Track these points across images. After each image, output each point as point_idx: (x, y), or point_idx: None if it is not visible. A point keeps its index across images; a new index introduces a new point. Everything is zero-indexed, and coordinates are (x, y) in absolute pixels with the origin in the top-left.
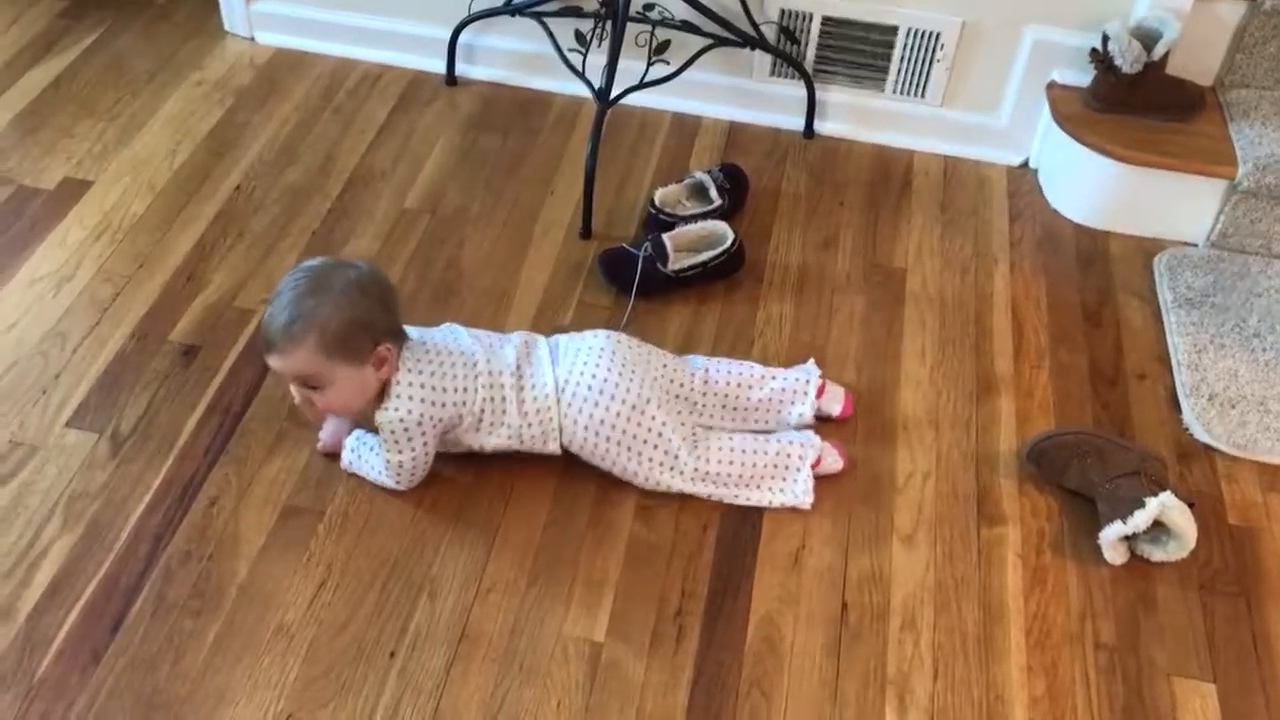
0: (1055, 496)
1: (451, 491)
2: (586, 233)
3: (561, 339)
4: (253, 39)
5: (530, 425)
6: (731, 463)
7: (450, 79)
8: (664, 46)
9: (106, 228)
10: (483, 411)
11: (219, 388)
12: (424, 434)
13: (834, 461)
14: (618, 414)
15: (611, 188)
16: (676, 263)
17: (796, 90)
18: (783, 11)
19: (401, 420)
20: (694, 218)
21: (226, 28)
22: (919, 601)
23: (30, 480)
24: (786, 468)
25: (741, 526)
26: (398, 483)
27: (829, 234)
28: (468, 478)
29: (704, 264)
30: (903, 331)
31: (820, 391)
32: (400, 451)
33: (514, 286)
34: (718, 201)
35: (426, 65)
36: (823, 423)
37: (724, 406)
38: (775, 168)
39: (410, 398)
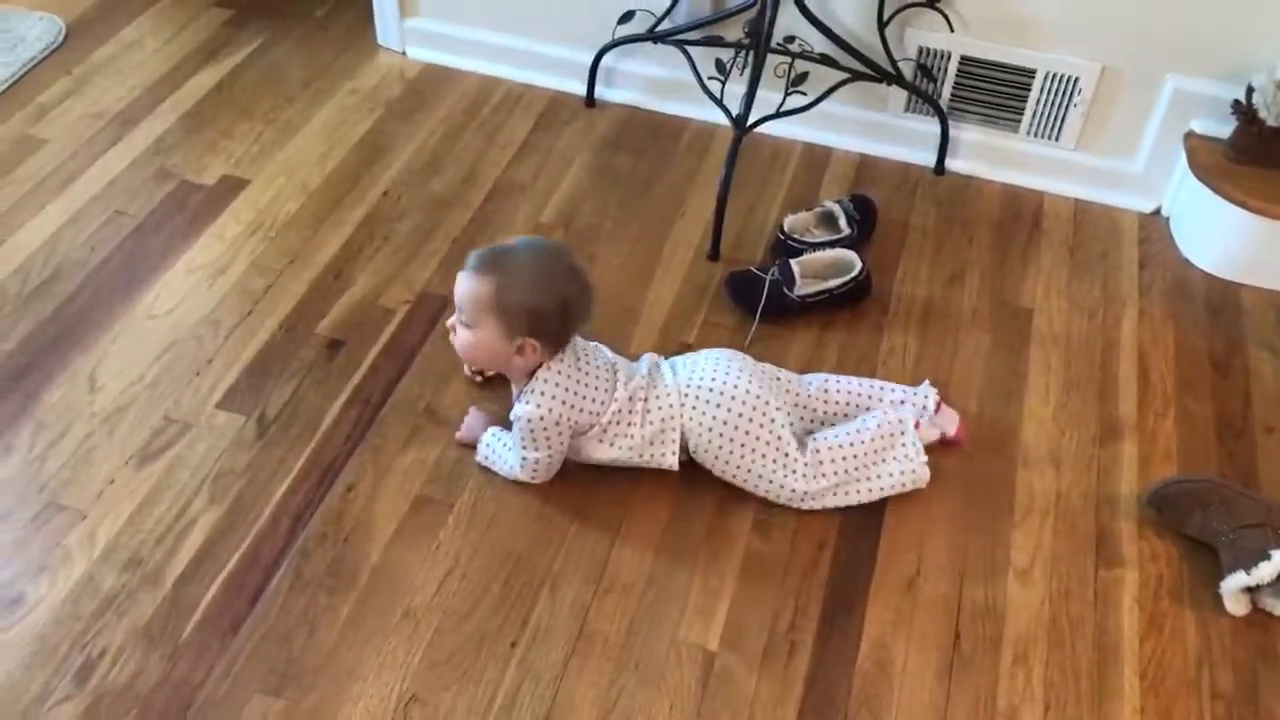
0: (1176, 543)
1: (575, 491)
2: (715, 254)
3: (680, 357)
4: (404, 53)
5: (653, 436)
6: (841, 447)
7: (589, 101)
8: (802, 78)
9: (260, 224)
10: (610, 423)
11: (360, 380)
12: (559, 433)
13: (931, 426)
14: (739, 414)
15: (741, 212)
16: (803, 288)
17: (930, 126)
18: (921, 49)
19: (541, 418)
20: (823, 245)
21: (380, 42)
22: (1032, 637)
23: (181, 456)
24: (892, 435)
25: (858, 546)
26: (532, 478)
27: (956, 269)
28: (590, 477)
29: (830, 291)
30: (1027, 370)
31: (937, 409)
32: (534, 449)
33: (641, 303)
34: (846, 231)
35: (566, 86)
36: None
37: (844, 416)
38: (905, 201)
39: (552, 396)
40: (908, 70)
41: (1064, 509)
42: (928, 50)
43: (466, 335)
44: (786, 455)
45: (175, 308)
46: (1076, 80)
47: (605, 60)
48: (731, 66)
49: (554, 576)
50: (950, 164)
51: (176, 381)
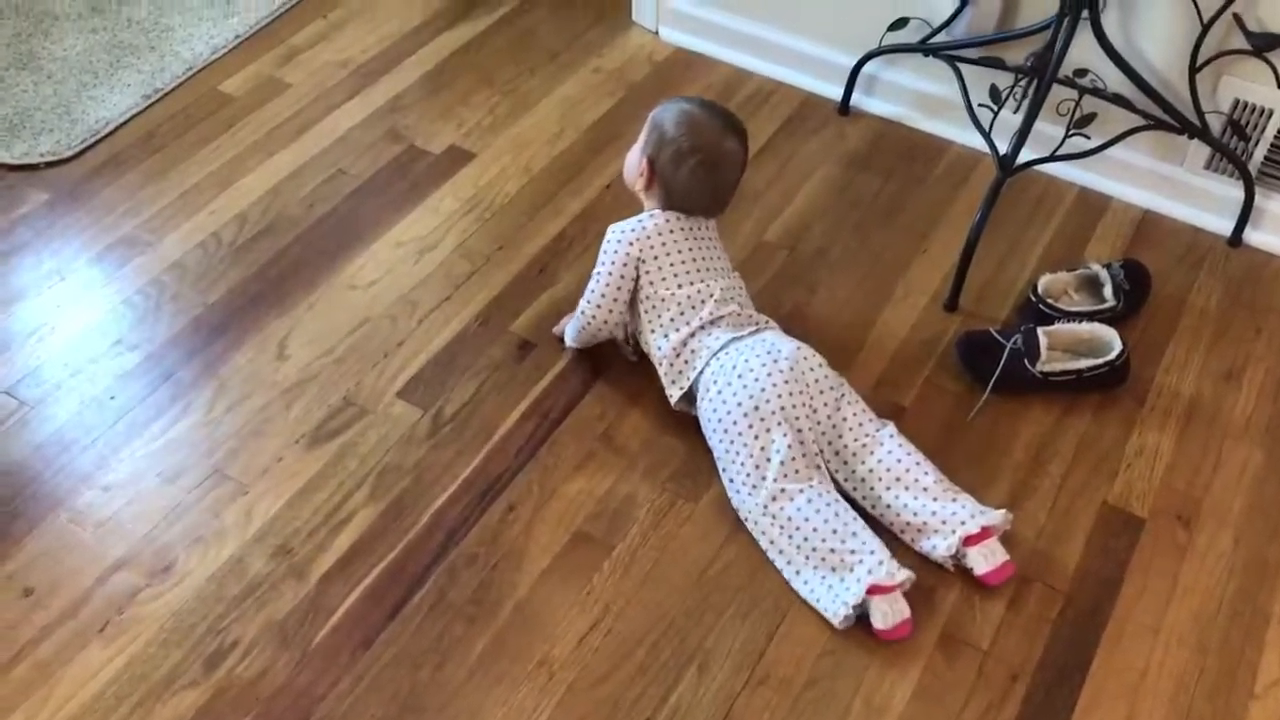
0: None
1: (743, 565)
2: (952, 305)
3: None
4: (656, 33)
5: (677, 358)
6: (806, 519)
7: (844, 108)
8: (1088, 119)
9: (478, 203)
10: (665, 306)
11: (543, 391)
12: (624, 260)
13: (886, 613)
14: (739, 404)
15: (992, 260)
16: (1048, 363)
17: (1231, 190)
18: (1236, 102)
19: (619, 237)
20: (1080, 316)
21: (634, 18)
22: None
23: (352, 442)
24: (849, 567)
25: (1058, 690)
26: (584, 305)
27: (1235, 365)
28: (763, 558)
29: (1079, 372)
30: None
31: (974, 540)
32: (599, 264)
33: (858, 348)
34: (1111, 302)
35: (820, 89)
36: (963, 574)
37: (862, 480)
38: (1186, 273)
39: (634, 230)
40: (1216, 124)
41: None
42: (1244, 104)
43: (631, 148)
44: (758, 472)
45: (377, 281)
46: None
47: (867, 67)
48: (1008, 95)
49: (705, 654)
50: (1249, 236)
51: (363, 361)
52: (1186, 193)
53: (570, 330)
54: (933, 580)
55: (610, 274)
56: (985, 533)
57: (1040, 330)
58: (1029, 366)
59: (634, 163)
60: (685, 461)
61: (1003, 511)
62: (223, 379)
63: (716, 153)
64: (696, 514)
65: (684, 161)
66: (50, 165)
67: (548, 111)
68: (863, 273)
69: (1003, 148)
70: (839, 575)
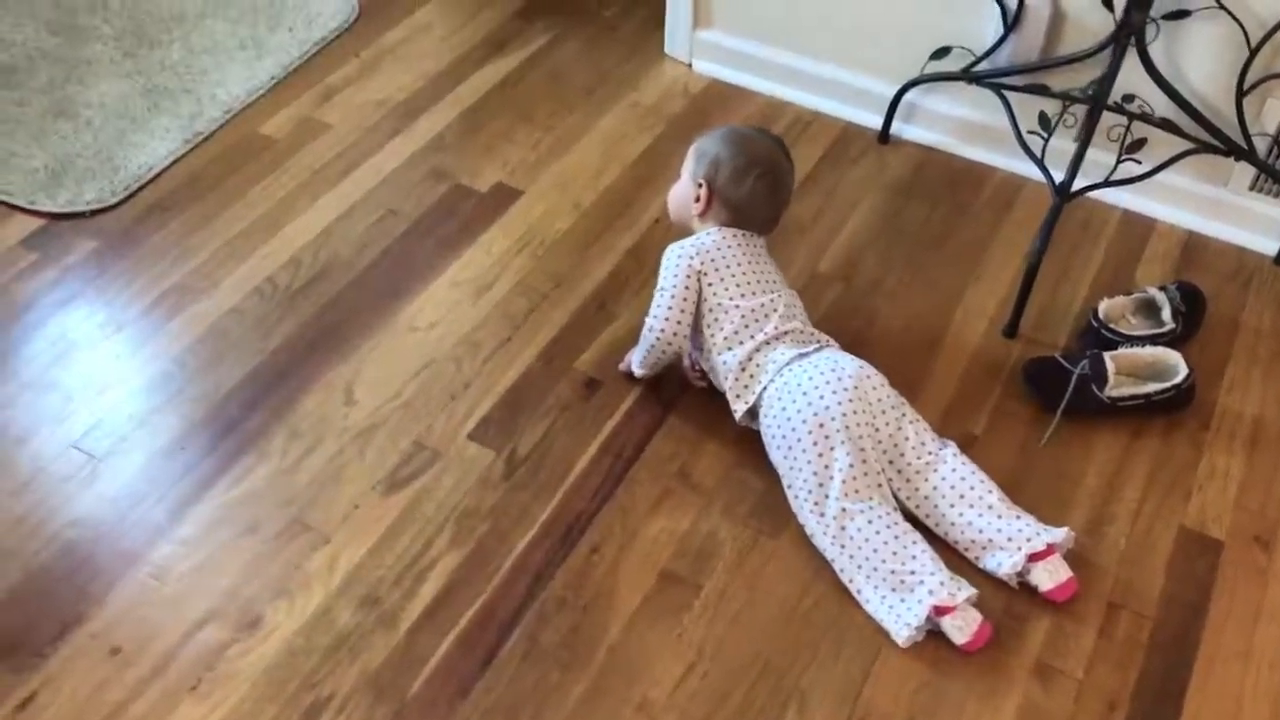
0: None
1: (832, 597)
2: (1012, 331)
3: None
4: (690, 65)
5: (743, 373)
6: (867, 539)
7: (883, 136)
8: (1139, 144)
9: (529, 241)
10: (729, 317)
11: (614, 429)
12: (686, 272)
13: (961, 627)
14: (804, 421)
15: (1044, 285)
16: (1115, 388)
17: (1276, 210)
18: None
19: (680, 253)
20: (1141, 340)
21: (667, 50)
22: None
23: (428, 487)
24: (909, 588)
25: (1155, 718)
26: (651, 319)
27: None
28: (849, 597)
29: (1147, 396)
30: None
31: (1039, 556)
32: (661, 280)
33: (923, 378)
34: (1170, 325)
35: (859, 118)
36: (1028, 592)
37: (925, 498)
38: (1237, 294)
39: (699, 240)
40: (1262, 146)
41: None
42: None
43: (674, 185)
44: (820, 490)
45: (437, 323)
46: None
47: (907, 95)
48: (1057, 122)
49: (802, 693)
50: None
51: (431, 404)
52: (1231, 214)
53: (638, 354)
54: (1022, 608)
55: (674, 287)
56: (1049, 550)
57: (1107, 356)
58: (1097, 392)
59: (684, 193)
60: (762, 497)
61: (1065, 529)
62: (292, 426)
63: (775, 164)
64: (779, 550)
65: (746, 176)
66: (96, 213)
67: (590, 147)
68: (919, 301)
69: (1058, 175)
70: (899, 595)
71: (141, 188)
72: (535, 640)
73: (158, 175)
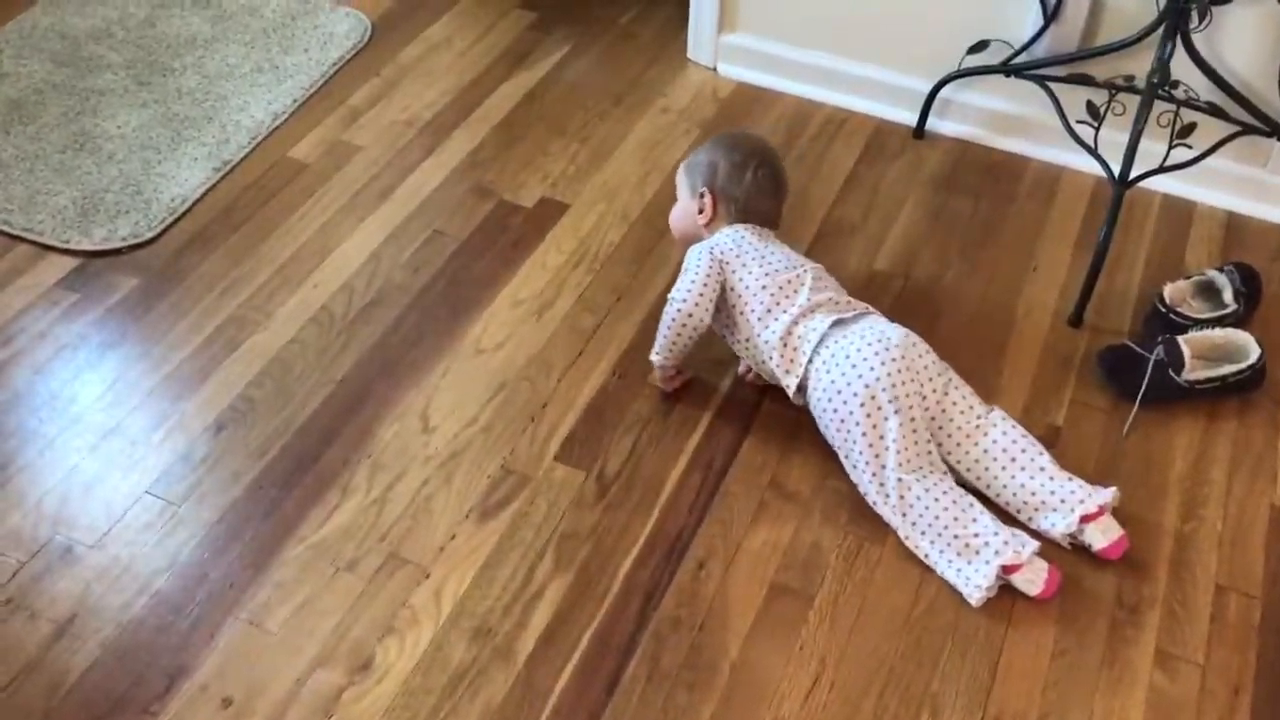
0: None
1: (946, 598)
2: (1077, 321)
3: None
4: (714, 70)
5: (785, 347)
6: (926, 507)
7: (918, 132)
8: (1189, 129)
9: (584, 255)
10: (759, 297)
11: (699, 442)
12: (710, 262)
13: (1032, 580)
14: (855, 393)
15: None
16: (1192, 372)
17: None
18: None
19: (701, 245)
20: (1208, 322)
21: (689, 55)
22: None
23: (523, 512)
24: (975, 550)
25: None
26: (671, 295)
27: None
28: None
29: (1223, 379)
30: None
31: (1091, 517)
32: (684, 271)
33: (996, 373)
34: (1232, 306)
35: (892, 114)
36: (1080, 552)
37: (976, 461)
38: None
39: (715, 239)
40: None
41: None
42: None
43: (673, 208)
44: (883, 467)
45: (504, 343)
46: None
47: (943, 90)
48: (1105, 110)
49: (933, 698)
50: None
51: (511, 427)
52: (1272, 194)
53: (658, 337)
54: (1134, 598)
55: (698, 269)
56: (1100, 510)
57: (1181, 340)
58: (1174, 376)
59: (687, 209)
60: (859, 502)
61: (1114, 489)
62: (374, 457)
63: (769, 155)
64: (885, 557)
65: (744, 171)
66: (133, 248)
67: (628, 155)
68: (980, 295)
69: (1112, 162)
70: (965, 559)
71: (177, 220)
72: (657, 662)
73: (192, 206)
